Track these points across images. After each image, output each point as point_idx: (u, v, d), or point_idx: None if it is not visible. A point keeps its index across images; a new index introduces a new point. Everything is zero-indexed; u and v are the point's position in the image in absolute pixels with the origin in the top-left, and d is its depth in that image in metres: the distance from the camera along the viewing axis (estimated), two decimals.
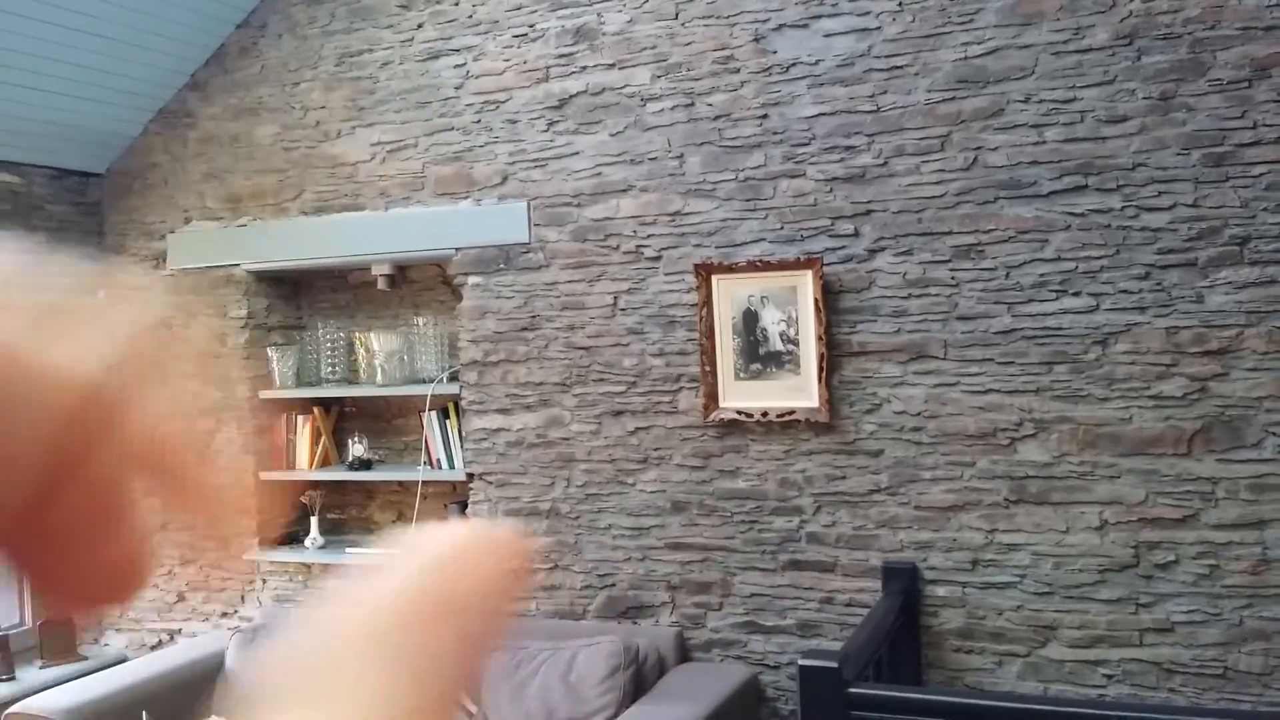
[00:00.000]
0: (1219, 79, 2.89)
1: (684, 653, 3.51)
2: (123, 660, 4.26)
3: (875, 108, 3.25)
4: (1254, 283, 2.87)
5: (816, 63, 3.32)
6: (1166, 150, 2.94)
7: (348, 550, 4.00)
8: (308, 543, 4.10)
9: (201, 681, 3.72)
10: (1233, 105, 2.88)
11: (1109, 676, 3.01)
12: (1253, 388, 2.87)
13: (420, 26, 3.90)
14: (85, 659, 4.30)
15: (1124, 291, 2.99)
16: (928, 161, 3.20)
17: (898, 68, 3.23)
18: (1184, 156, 2.93)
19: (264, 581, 4.22)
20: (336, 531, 4.31)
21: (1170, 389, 2.95)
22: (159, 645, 4.40)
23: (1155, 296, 2.96)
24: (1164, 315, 2.95)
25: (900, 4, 3.22)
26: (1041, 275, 3.08)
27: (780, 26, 3.37)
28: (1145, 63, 2.96)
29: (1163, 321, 2.95)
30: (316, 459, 4.16)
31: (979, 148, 3.14)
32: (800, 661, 2.39)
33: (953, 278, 3.17)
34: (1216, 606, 2.92)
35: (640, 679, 3.28)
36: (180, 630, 4.37)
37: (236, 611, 4.27)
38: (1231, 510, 2.90)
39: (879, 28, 3.24)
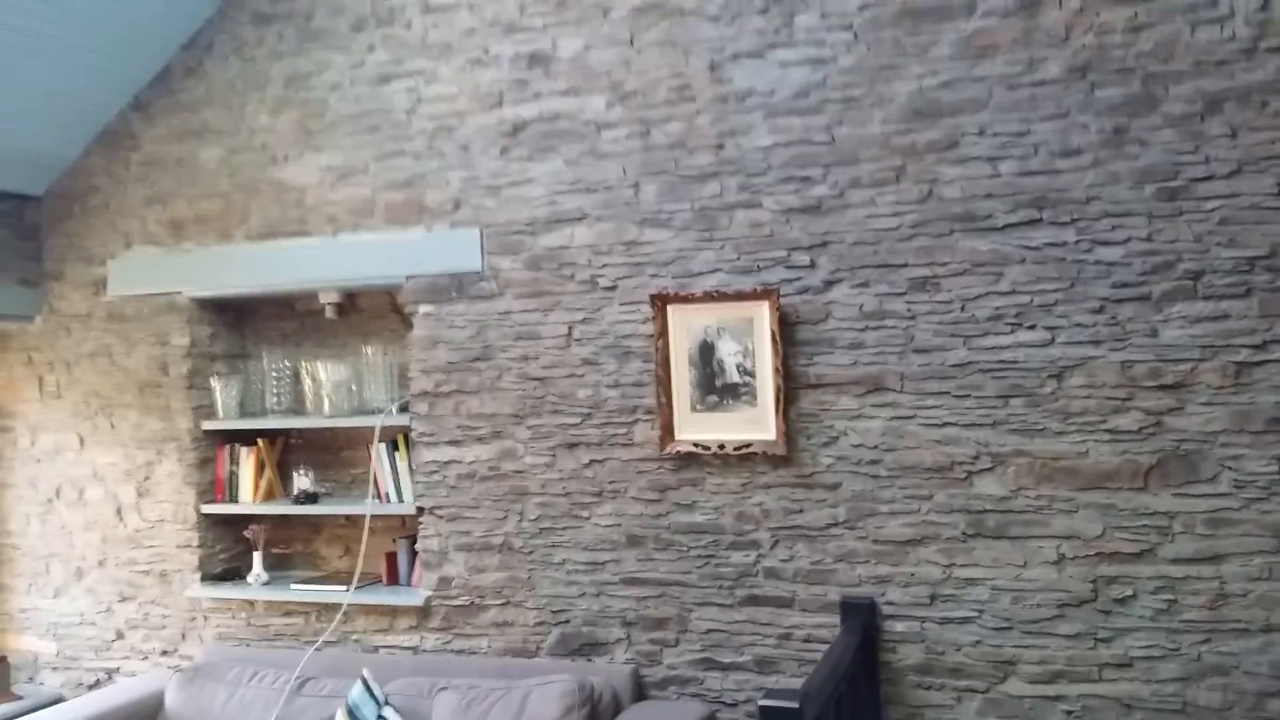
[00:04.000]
0: (1171, 113, 2.91)
1: (640, 691, 3.44)
2: (59, 700, 4.11)
3: (831, 139, 3.23)
4: (1207, 317, 2.88)
5: (772, 93, 3.30)
6: (1120, 184, 2.95)
7: (293, 586, 3.88)
8: (250, 579, 3.97)
9: None
10: (1185, 139, 2.90)
11: (1069, 713, 2.99)
12: (1207, 422, 2.88)
13: (371, 49, 3.83)
14: (20, 698, 4.17)
15: (1079, 325, 2.99)
16: (883, 193, 3.18)
17: (853, 99, 3.21)
18: (1137, 190, 2.94)
19: (205, 619, 4.08)
20: (281, 567, 4.19)
21: (1126, 423, 2.95)
22: (96, 684, 4.25)
23: (1110, 330, 2.96)
24: (1119, 349, 2.95)
25: (855, 35, 3.21)
26: (997, 308, 3.07)
27: (736, 56, 3.34)
28: (1098, 96, 2.97)
29: (1117, 355, 2.95)
30: (260, 492, 4.05)
31: (934, 180, 3.13)
32: (760, 702, 2.35)
33: (909, 310, 3.16)
34: (1175, 641, 2.91)
35: (595, 719, 3.21)
36: (119, 669, 4.23)
37: (177, 650, 4.13)
38: (1189, 545, 2.89)
39: (834, 58, 3.23)
